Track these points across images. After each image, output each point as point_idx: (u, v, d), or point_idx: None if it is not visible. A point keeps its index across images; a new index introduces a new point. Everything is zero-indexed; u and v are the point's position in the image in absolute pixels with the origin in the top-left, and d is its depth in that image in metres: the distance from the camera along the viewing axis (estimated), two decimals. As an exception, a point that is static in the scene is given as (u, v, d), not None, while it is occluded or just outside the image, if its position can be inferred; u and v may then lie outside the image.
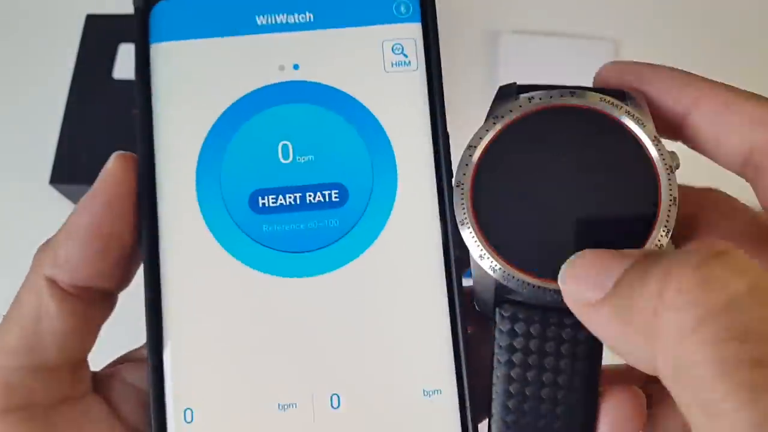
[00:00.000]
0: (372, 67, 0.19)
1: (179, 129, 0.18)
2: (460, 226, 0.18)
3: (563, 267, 0.17)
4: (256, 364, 0.17)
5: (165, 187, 0.18)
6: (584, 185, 0.18)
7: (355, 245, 0.18)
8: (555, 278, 0.17)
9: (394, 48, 0.19)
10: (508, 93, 0.20)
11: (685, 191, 0.19)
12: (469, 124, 0.62)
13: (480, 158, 0.19)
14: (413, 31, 0.20)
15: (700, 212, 0.19)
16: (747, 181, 0.18)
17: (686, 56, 0.56)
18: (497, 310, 0.18)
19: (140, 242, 0.18)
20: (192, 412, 0.17)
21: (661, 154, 0.18)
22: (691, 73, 0.19)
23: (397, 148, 0.18)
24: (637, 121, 0.18)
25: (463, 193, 0.18)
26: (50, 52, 0.53)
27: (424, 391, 0.17)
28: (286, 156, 0.18)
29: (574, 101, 0.19)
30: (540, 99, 0.19)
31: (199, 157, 0.18)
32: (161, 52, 0.19)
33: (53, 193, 0.44)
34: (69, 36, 0.46)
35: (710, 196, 0.19)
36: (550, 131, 0.19)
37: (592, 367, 0.18)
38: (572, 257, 0.17)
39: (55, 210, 0.47)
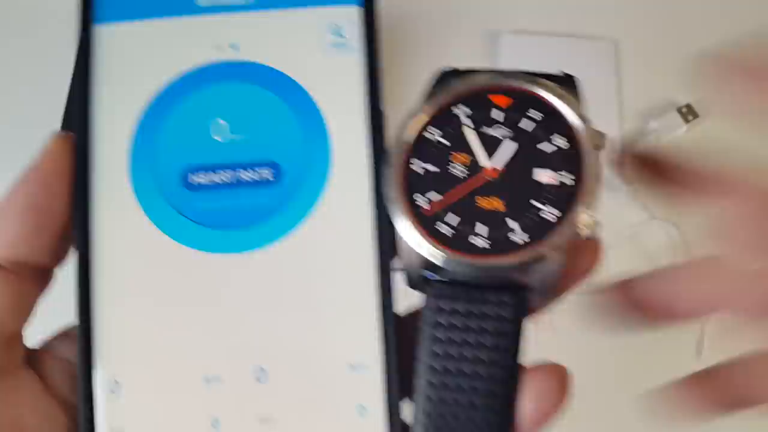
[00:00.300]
0: (310, 48, 0.19)
1: (114, 108, 0.19)
2: (388, 203, 0.19)
3: None
4: (184, 338, 0.17)
5: (98, 165, 0.18)
6: (508, 166, 0.19)
7: (285, 223, 0.18)
8: (478, 254, 0.18)
9: (334, 30, 0.19)
10: (444, 77, 0.20)
11: None
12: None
13: (411, 140, 0.19)
14: (353, 13, 0.19)
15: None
16: None
17: (686, 56, 0.56)
18: (424, 286, 0.19)
19: (72, 219, 0.18)
20: (119, 383, 0.17)
21: (587, 131, 0.19)
22: None
23: (332, 128, 0.19)
24: (564, 99, 0.19)
25: (393, 171, 0.19)
26: (50, 52, 0.53)
27: (349, 365, 0.18)
28: (220, 134, 0.18)
29: (503, 82, 0.19)
30: (471, 81, 0.20)
31: (134, 136, 0.18)
32: (103, 33, 0.19)
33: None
34: (68, 35, 0.46)
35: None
36: (479, 113, 0.19)
37: (516, 343, 0.18)
38: None
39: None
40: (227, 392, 0.17)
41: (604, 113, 0.54)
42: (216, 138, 0.18)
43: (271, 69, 0.19)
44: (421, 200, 0.19)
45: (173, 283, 0.18)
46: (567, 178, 0.18)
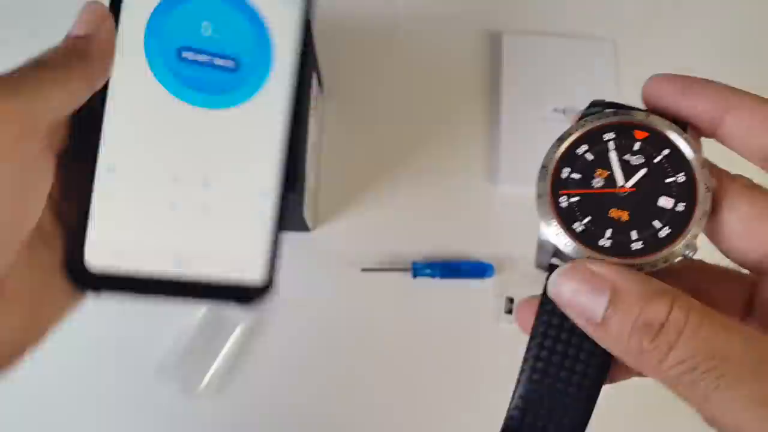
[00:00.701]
0: None
1: (135, 7, 0.29)
2: (537, 199, 0.23)
3: (554, 274, 0.22)
4: (163, 149, 0.28)
5: (122, 42, 0.28)
6: (638, 188, 0.23)
7: (240, 97, 0.29)
8: (601, 252, 0.22)
9: None
10: (597, 106, 0.25)
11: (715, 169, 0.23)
12: (469, 122, 0.63)
13: (564, 151, 0.24)
14: None
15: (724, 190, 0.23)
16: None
17: (686, 56, 0.56)
18: (549, 272, 0.23)
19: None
20: (114, 166, 0.28)
21: (704, 176, 0.22)
22: (723, 85, 0.23)
23: (275, 41, 0.29)
24: (691, 146, 0.23)
25: (546, 173, 0.24)
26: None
27: (258, 189, 0.29)
28: (206, 31, 0.29)
29: (645, 121, 0.24)
30: (621, 115, 0.25)
31: (149, 22, 0.28)
32: None
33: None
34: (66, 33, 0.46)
35: (736, 180, 0.23)
36: (622, 141, 0.24)
37: (606, 355, 0.22)
38: (565, 267, 0.22)
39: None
40: (185, 190, 0.28)
41: (604, 113, 0.54)
42: (203, 33, 0.29)
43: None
44: (563, 200, 0.23)
45: (163, 120, 0.28)
46: (682, 207, 0.22)
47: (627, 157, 0.24)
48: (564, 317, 0.22)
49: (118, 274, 0.28)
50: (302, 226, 0.48)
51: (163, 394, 0.46)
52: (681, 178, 0.23)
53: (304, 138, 0.43)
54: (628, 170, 0.23)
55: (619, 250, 0.22)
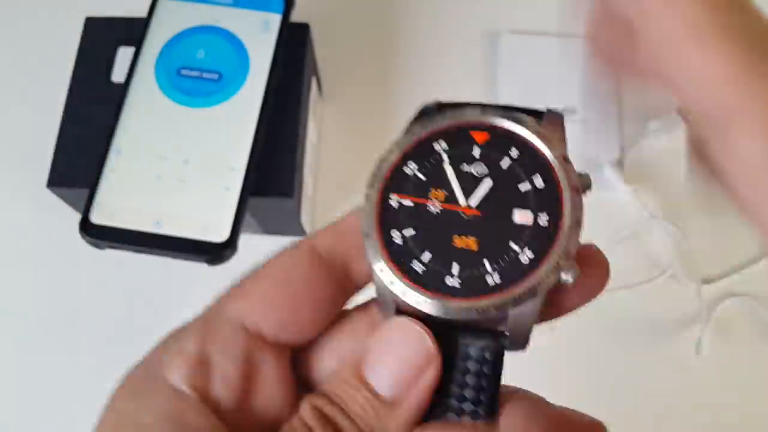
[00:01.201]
0: (251, 27, 0.40)
1: (155, 38, 0.41)
2: (364, 238, 0.19)
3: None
4: (157, 136, 0.38)
5: (139, 66, 0.40)
6: (485, 205, 0.18)
7: (219, 99, 0.38)
8: (450, 295, 0.17)
9: (264, 22, 0.40)
10: (427, 111, 0.21)
11: None
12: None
13: (389, 173, 0.20)
14: (276, 17, 0.41)
15: None
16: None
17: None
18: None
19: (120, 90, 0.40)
20: (121, 149, 0.38)
21: (567, 174, 0.18)
22: None
23: (252, 59, 0.40)
24: (544, 139, 0.18)
25: (369, 206, 0.19)
26: (49, 54, 0.53)
27: (228, 167, 0.37)
28: (200, 55, 0.40)
29: (482, 119, 0.19)
30: (451, 116, 0.20)
31: (160, 51, 0.40)
32: (161, 4, 0.42)
33: (51, 197, 0.43)
34: (68, 38, 0.46)
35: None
36: (458, 149, 0.19)
37: (493, 380, 0.18)
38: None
39: (52, 213, 0.47)
40: (171, 167, 0.38)
41: (604, 113, 0.54)
42: (198, 56, 0.40)
43: (230, 32, 0.40)
44: (396, 236, 0.19)
45: (159, 115, 0.38)
46: (544, 220, 0.18)
47: (466, 167, 0.19)
48: None
49: (113, 229, 0.37)
50: (299, 232, 0.48)
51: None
52: (538, 182, 0.18)
53: (302, 144, 0.44)
54: (470, 184, 0.19)
55: (472, 288, 0.17)
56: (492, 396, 0.18)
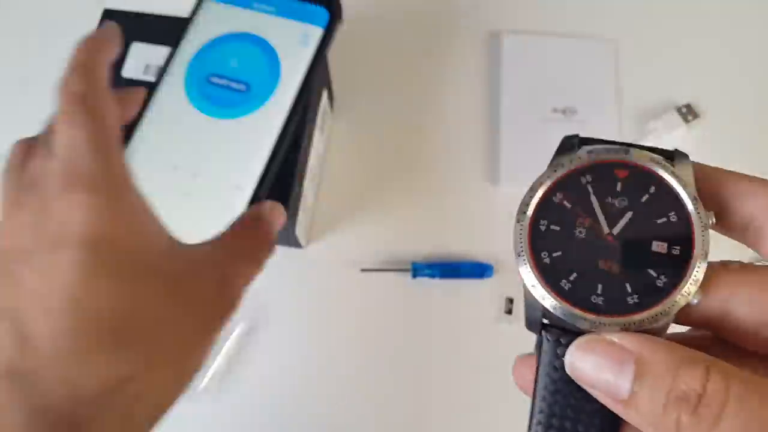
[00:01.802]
0: (288, 37, 0.38)
1: (195, 39, 0.38)
2: (516, 258, 0.21)
3: (571, 348, 0.20)
4: (170, 144, 0.37)
5: (169, 74, 0.37)
6: (626, 234, 0.21)
7: (245, 111, 0.37)
8: (594, 311, 0.20)
9: (303, 34, 0.38)
10: (570, 144, 0.23)
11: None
12: (469, 122, 0.62)
13: (539, 201, 0.22)
14: (317, 30, 0.38)
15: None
16: None
17: (686, 56, 0.56)
18: (543, 333, 0.21)
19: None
20: (134, 154, 0.36)
21: (698, 212, 0.20)
22: (757, 179, 0.21)
23: (284, 71, 0.37)
24: (679, 180, 0.21)
25: (522, 229, 0.21)
26: (63, 45, 0.53)
27: (235, 185, 0.35)
28: (233, 63, 0.38)
29: (626, 158, 0.22)
30: (597, 153, 0.22)
31: (191, 59, 0.38)
32: (206, 6, 0.39)
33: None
34: (84, 30, 0.46)
35: None
36: (602, 183, 0.22)
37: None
38: (582, 340, 0.20)
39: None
40: (181, 176, 0.36)
41: (604, 113, 0.54)
42: (230, 64, 0.38)
43: (267, 42, 0.39)
44: (545, 256, 0.21)
45: (183, 127, 0.37)
46: (678, 250, 0.20)
47: (609, 200, 0.21)
48: (566, 377, 0.20)
49: None
50: (294, 244, 0.49)
51: (162, 394, 0.46)
52: (673, 217, 0.21)
53: (305, 156, 0.45)
54: (613, 215, 0.21)
55: (614, 306, 0.20)
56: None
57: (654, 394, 0.18)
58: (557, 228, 0.21)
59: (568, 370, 0.20)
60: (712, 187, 0.21)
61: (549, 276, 0.21)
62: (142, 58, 0.46)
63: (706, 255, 0.20)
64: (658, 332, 0.20)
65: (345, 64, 0.55)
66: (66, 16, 0.57)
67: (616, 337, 0.19)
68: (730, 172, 0.21)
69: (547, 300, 0.21)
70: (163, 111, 0.38)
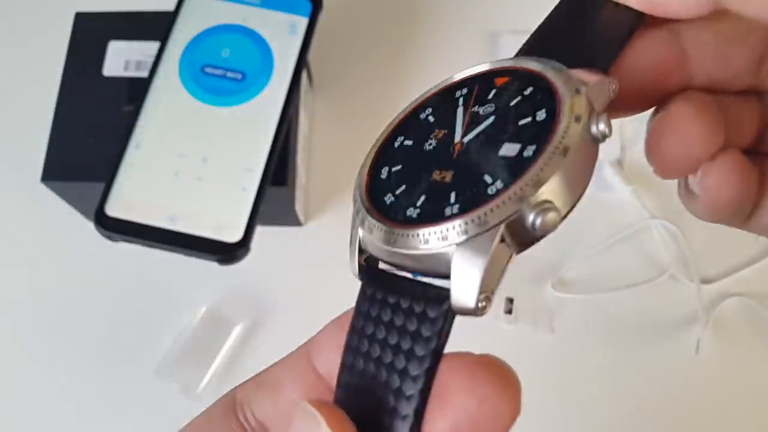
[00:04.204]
0: (277, 28, 0.40)
1: (180, 34, 0.41)
2: (360, 170, 0.19)
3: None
4: (177, 133, 0.38)
5: (163, 62, 0.40)
6: (477, 141, 0.17)
7: (244, 99, 0.39)
8: (406, 223, 0.16)
9: (291, 24, 0.40)
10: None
11: None
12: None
13: (402, 118, 0.19)
14: (303, 20, 0.41)
15: None
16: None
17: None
18: (362, 285, 0.18)
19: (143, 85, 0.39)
20: (141, 144, 0.38)
21: (572, 105, 0.16)
22: None
23: (276, 61, 0.40)
24: (564, 76, 0.17)
25: (376, 144, 0.19)
26: (40, 50, 0.53)
27: (245, 168, 0.37)
28: (225, 54, 0.40)
29: (515, 64, 0.18)
30: (493, 63, 0.19)
31: (185, 48, 0.40)
32: (188, 3, 0.41)
33: (45, 191, 0.44)
34: (58, 33, 0.46)
35: None
36: (477, 93, 0.18)
37: (428, 365, 0.16)
38: None
39: (46, 208, 0.47)
40: (188, 165, 0.38)
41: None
42: (223, 55, 0.39)
43: (256, 33, 0.40)
44: (384, 172, 0.18)
45: (180, 113, 0.38)
46: (530, 151, 0.15)
47: (476, 108, 0.18)
48: (379, 321, 0.17)
49: (127, 222, 0.37)
50: (294, 221, 0.48)
51: (162, 394, 0.45)
52: (541, 115, 0.16)
53: (294, 133, 0.45)
54: (474, 123, 0.17)
55: (428, 217, 0.16)
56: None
57: None
58: (409, 143, 0.18)
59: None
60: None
61: (377, 191, 0.18)
62: (121, 56, 0.45)
63: (565, 150, 0.15)
64: (476, 267, 0.15)
65: (338, 59, 0.55)
66: (37, 22, 0.57)
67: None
68: None
69: (362, 214, 0.17)
70: (162, 103, 0.39)
